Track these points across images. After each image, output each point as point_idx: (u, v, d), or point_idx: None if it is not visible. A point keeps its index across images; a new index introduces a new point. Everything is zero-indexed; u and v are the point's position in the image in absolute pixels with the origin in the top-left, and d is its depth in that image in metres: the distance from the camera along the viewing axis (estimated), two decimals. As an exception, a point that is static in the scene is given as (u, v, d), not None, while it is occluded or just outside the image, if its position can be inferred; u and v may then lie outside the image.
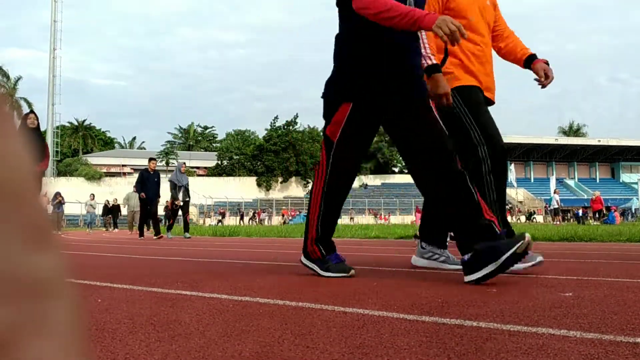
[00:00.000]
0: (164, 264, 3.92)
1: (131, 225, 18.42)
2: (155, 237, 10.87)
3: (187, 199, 12.27)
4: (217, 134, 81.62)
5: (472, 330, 1.49)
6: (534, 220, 41.52)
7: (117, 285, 2.58)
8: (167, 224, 13.61)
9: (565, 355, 1.21)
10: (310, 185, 52.95)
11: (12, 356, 0.23)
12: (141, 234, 11.68)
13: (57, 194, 18.51)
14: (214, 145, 76.53)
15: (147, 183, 11.81)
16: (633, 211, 46.06)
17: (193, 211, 43.13)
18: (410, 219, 41.76)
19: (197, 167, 66.38)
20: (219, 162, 56.71)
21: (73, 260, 4.53)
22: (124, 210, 24.78)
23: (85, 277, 2.97)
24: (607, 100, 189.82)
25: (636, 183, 50.07)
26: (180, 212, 12.61)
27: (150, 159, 12.28)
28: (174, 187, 12.02)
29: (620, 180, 64.57)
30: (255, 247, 6.46)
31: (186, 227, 12.17)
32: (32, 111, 7.30)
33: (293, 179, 54.03)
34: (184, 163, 12.71)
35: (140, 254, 5.30)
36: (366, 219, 44.85)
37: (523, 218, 45.10)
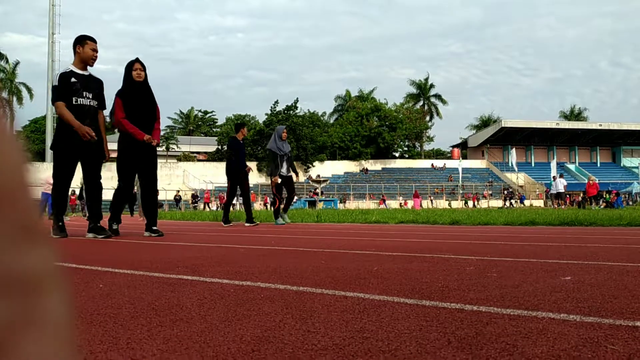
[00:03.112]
0: (164, 249, 3.94)
1: (141, 212, 15.22)
2: (247, 224, 8.83)
3: (290, 174, 9.62)
4: (217, 119, 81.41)
5: (473, 314, 1.49)
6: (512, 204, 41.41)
7: (118, 270, 2.59)
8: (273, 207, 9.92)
9: (565, 339, 1.21)
10: (311, 170, 52.96)
11: (5, 353, 0.23)
12: (227, 220, 9.21)
13: None
14: (214, 130, 76.37)
15: (238, 155, 9.19)
16: (633, 195, 46.11)
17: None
18: (410, 204, 41.82)
19: (198, 152, 66.34)
20: (220, 147, 56.59)
21: (77, 246, 4.55)
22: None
23: (87, 262, 2.98)
24: (608, 84, 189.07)
25: (637, 167, 50.10)
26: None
27: (242, 125, 9.48)
28: (275, 158, 9.35)
29: (621, 165, 64.47)
30: (256, 232, 6.48)
31: (286, 208, 9.71)
32: (137, 60, 5.79)
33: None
34: (285, 128, 9.79)
35: (141, 238, 5.31)
36: (367, 204, 44.92)
37: (500, 203, 44.89)
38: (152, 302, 1.72)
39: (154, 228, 5.76)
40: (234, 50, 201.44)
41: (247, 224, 8.90)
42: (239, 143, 9.26)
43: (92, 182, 5.46)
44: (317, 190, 39.40)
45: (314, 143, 54.19)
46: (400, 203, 44.81)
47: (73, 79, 5.33)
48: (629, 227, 6.97)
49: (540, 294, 1.81)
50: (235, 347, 1.18)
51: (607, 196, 31.45)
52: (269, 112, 54.44)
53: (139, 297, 1.81)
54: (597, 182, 27.21)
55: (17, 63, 57.91)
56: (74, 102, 5.30)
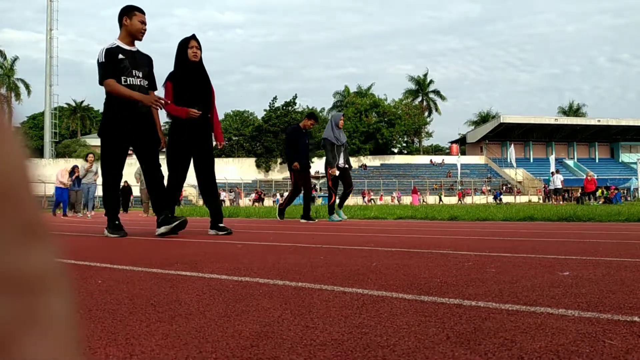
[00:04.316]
0: (163, 245, 3.93)
1: (147, 205, 14.37)
2: (303, 221, 8.26)
3: (347, 165, 8.77)
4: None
5: (471, 309, 1.49)
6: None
7: (117, 266, 2.59)
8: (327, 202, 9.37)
9: (564, 334, 1.22)
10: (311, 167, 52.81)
11: (8, 352, 0.23)
12: (310, 216, 8.48)
13: (75, 168, 14.83)
14: (213, 126, 76.25)
15: (298, 145, 8.45)
16: (632, 191, 46.18)
17: (192, 192, 43.08)
18: (408, 200, 41.87)
19: (196, 149, 66.10)
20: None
21: (77, 242, 4.54)
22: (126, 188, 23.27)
23: (85, 258, 2.97)
24: (607, 80, 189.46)
25: (635, 163, 50.10)
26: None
27: (309, 115, 8.64)
28: (332, 148, 8.51)
29: (620, 161, 64.51)
30: (254, 228, 6.48)
31: (341, 203, 8.98)
32: (194, 36, 5.10)
33: (292, 159, 53.98)
34: (342, 115, 8.94)
35: (139, 234, 5.31)
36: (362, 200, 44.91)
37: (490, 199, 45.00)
38: (151, 298, 1.72)
39: (221, 225, 5.15)
40: (233, 46, 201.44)
41: (302, 220, 8.33)
42: (298, 132, 8.52)
43: (152, 172, 4.84)
44: (316, 186, 39.43)
45: (312, 138, 54.10)
46: (372, 198, 44.42)
47: (121, 56, 4.69)
48: (627, 222, 6.98)
49: (539, 289, 1.81)
50: (234, 342, 1.18)
51: (606, 192, 31.49)
52: (268, 108, 54.38)
53: (137, 293, 1.81)
54: (595, 177, 27.28)
55: (16, 59, 57.74)
56: (123, 82, 4.67)
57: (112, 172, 4.81)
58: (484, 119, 69.14)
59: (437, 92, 68.92)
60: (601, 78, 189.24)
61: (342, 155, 8.66)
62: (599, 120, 60.66)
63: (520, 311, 1.46)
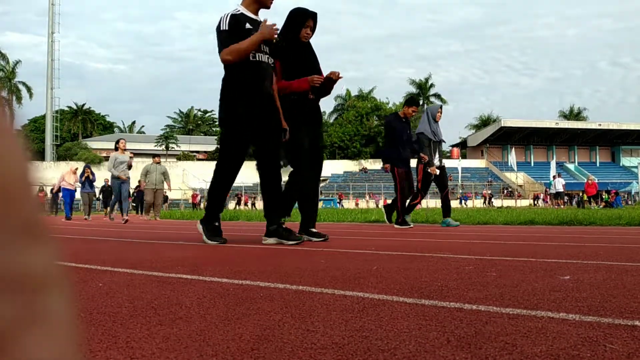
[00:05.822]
0: (164, 248, 3.93)
1: (149, 208, 13.46)
2: (396, 225, 7.28)
3: (443, 164, 7.73)
4: (217, 118, 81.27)
5: (472, 313, 1.49)
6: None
7: (118, 269, 2.59)
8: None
9: (564, 338, 1.21)
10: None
11: (8, 351, 0.23)
12: (403, 221, 7.26)
13: (87, 168, 13.95)
14: (214, 129, 76.32)
15: (398, 138, 7.29)
16: (632, 195, 46.16)
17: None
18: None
19: (197, 152, 66.32)
20: (219, 146, 56.61)
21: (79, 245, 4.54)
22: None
23: (86, 261, 2.97)
24: (608, 84, 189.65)
25: (636, 167, 50.06)
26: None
27: (409, 101, 7.42)
28: (427, 144, 7.51)
29: (621, 164, 64.52)
30: (255, 231, 6.47)
31: (447, 210, 7.60)
32: (314, 15, 4.45)
33: (293, 163, 53.97)
34: (440, 107, 7.89)
35: (140, 237, 5.31)
36: (364, 204, 44.87)
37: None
38: (152, 301, 1.72)
39: (315, 230, 4.52)
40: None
41: (396, 225, 7.29)
42: (398, 122, 7.31)
43: (270, 169, 4.18)
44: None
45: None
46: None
47: (248, 25, 3.99)
48: (627, 226, 6.97)
49: (540, 293, 1.81)
50: (235, 345, 1.18)
51: (607, 196, 31.45)
52: (269, 111, 54.35)
53: (138, 296, 1.81)
54: (596, 181, 27.31)
55: (18, 62, 57.88)
56: (251, 58, 3.97)
57: (229, 168, 4.16)
58: (484, 122, 69.20)
59: (438, 96, 68.97)
60: (602, 82, 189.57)
61: (438, 152, 7.67)
62: (599, 125, 60.70)
63: (521, 315, 1.46)
